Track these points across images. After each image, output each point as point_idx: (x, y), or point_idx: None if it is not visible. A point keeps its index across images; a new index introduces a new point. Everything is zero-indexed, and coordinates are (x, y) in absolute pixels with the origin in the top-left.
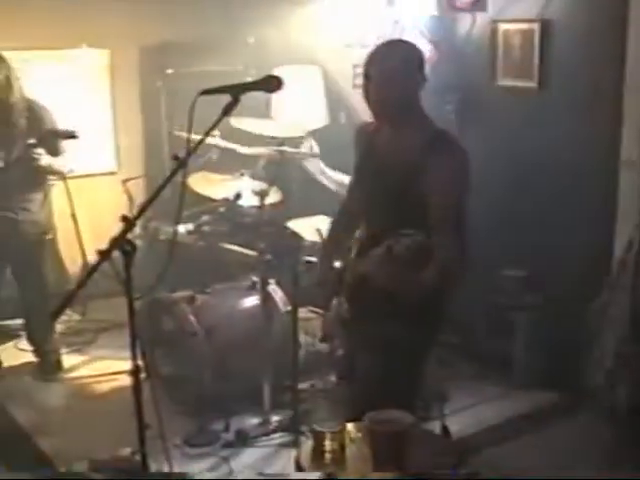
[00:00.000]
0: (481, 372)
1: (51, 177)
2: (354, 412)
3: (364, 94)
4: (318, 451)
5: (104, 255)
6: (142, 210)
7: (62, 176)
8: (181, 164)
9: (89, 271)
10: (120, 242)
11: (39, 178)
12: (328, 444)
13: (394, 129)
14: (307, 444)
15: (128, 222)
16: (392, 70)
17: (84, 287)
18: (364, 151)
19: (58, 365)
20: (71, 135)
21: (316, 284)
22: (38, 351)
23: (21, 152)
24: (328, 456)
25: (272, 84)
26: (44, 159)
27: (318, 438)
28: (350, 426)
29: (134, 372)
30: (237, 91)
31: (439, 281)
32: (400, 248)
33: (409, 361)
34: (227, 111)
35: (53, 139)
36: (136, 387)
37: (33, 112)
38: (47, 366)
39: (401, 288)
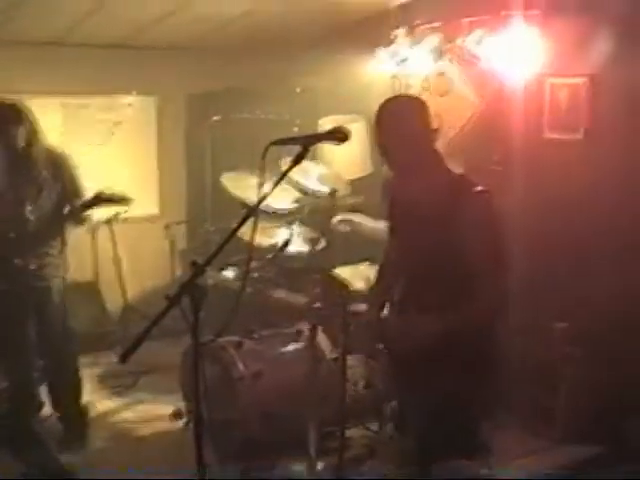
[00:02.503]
0: (523, 424)
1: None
2: (407, 459)
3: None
4: None
5: (174, 300)
6: (212, 256)
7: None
8: (250, 212)
9: (158, 316)
10: (190, 287)
11: (60, 225)
12: None
13: (410, 179)
14: None
15: (198, 267)
16: (390, 123)
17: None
18: (390, 203)
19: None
20: (124, 199)
21: (365, 329)
22: (64, 416)
23: (47, 204)
24: None
25: (340, 136)
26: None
27: None
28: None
29: (198, 418)
30: (307, 142)
31: (482, 322)
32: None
33: (457, 411)
34: (298, 161)
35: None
36: (197, 432)
37: (53, 160)
38: (72, 434)
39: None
